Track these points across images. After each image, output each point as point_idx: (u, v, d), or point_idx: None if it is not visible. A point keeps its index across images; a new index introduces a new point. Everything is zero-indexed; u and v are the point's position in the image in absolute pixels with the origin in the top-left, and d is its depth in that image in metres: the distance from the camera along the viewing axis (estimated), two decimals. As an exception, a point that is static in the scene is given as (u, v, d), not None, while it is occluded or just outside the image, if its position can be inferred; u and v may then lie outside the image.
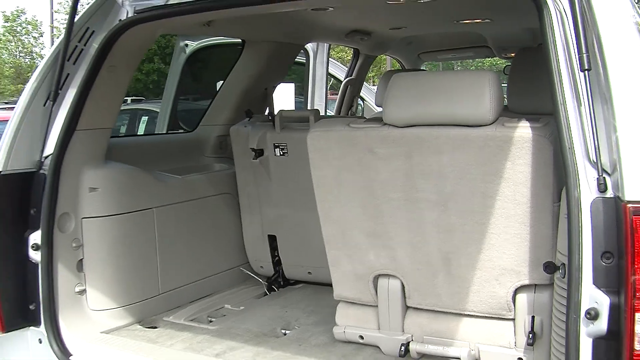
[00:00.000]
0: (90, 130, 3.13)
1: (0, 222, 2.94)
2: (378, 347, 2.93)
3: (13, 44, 70.96)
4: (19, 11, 61.02)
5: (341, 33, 4.62)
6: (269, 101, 4.33)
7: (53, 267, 3.03)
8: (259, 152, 3.86)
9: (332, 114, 6.19)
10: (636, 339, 1.79)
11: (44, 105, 3.05)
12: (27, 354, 3.03)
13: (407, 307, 2.89)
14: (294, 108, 6.20)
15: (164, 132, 5.48)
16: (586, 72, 1.94)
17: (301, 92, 6.21)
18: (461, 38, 5.35)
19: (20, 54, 71.45)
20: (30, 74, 64.96)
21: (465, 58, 8.16)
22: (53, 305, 3.04)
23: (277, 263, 4.04)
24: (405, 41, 5.43)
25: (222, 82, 4.62)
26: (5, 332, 3.01)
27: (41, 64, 3.08)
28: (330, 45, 5.96)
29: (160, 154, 4.00)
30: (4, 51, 72.23)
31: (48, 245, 3.00)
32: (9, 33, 69.60)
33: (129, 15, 3.09)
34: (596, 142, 1.90)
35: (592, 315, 1.86)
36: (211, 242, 3.90)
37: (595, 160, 1.90)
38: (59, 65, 3.00)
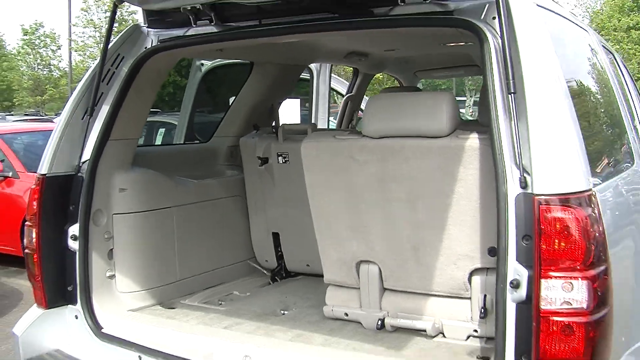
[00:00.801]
0: (120, 140, 3.63)
1: (45, 217, 3.44)
2: (360, 322, 3.45)
3: (31, 56, 71.62)
4: (37, 24, 61.79)
5: (340, 54, 5.17)
6: (274, 116, 4.86)
7: (88, 255, 3.52)
8: (264, 160, 4.39)
9: (335, 125, 6.72)
10: (542, 301, 2.32)
11: (82, 118, 3.53)
12: (65, 327, 3.52)
13: (384, 289, 3.41)
14: (299, 121, 6.74)
15: (182, 142, 6.03)
16: (512, 94, 2.46)
17: (307, 106, 6.74)
18: (452, 58, 5.83)
19: (39, 67, 72.10)
20: (47, 86, 65.13)
21: (457, 76, 8.66)
22: (87, 287, 3.51)
23: (279, 257, 4.56)
24: (400, 61, 5.93)
25: (233, 97, 5.17)
26: (47, 309, 3.50)
27: (80, 84, 3.59)
28: (332, 64, 6.51)
29: (179, 161, 4.54)
30: (23, 63, 72.89)
31: (84, 237, 3.48)
32: (27, 46, 70.27)
33: (154, 44, 3.59)
34: (519, 149, 2.42)
35: (515, 285, 2.36)
36: (222, 238, 4.42)
37: (518, 164, 2.41)
38: (94, 85, 3.49)
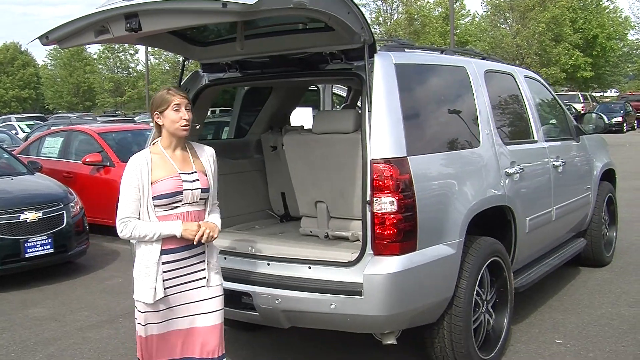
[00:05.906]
0: None
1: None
2: (317, 235, 6.06)
3: (111, 60, 75.56)
4: (117, 30, 65.38)
5: (331, 80, 7.69)
6: (287, 120, 7.50)
7: None
8: (274, 148, 6.90)
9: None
10: (376, 209, 4.79)
11: None
12: None
13: (330, 217, 6.00)
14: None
15: (232, 137, 8.40)
16: (369, 111, 4.86)
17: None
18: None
19: (118, 70, 76.02)
20: (126, 87, 67.40)
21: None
22: None
23: (285, 207, 6.82)
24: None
25: (261, 107, 7.78)
26: None
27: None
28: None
29: (229, 149, 6.94)
30: (104, 67, 76.95)
31: None
32: (107, 50, 74.10)
33: (206, 82, 5.82)
34: (370, 138, 4.84)
35: (369, 202, 4.73)
36: (250, 195, 6.86)
37: (371, 145, 4.86)
38: None
